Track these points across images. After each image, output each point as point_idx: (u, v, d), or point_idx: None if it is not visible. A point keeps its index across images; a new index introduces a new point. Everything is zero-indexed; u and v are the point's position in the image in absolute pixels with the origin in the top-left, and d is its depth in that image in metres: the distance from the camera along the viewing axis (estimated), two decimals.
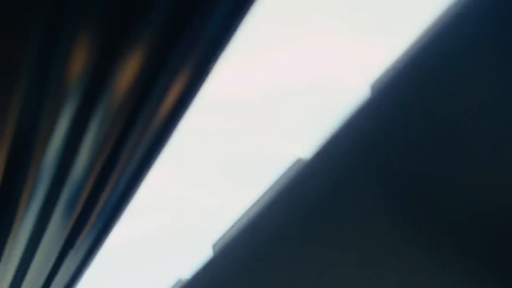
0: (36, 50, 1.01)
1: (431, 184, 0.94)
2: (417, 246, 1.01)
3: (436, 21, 0.95)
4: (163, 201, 8.30)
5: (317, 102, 7.80)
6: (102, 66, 1.07)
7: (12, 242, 1.70)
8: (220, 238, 1.53)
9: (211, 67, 1.09)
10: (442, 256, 0.97)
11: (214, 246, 1.55)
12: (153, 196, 8.33)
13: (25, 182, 1.40)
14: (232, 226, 1.49)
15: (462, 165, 0.90)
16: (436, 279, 1.01)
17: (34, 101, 1.14)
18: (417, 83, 0.91)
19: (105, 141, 1.26)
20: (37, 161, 1.32)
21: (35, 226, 1.62)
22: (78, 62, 1.04)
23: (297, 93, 7.78)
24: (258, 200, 1.39)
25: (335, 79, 7.56)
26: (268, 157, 8.28)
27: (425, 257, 1.00)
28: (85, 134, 1.24)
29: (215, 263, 1.45)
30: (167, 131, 1.25)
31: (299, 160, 1.26)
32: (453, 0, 0.91)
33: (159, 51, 1.04)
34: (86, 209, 1.57)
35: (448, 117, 0.88)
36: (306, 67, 7.50)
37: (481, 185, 0.89)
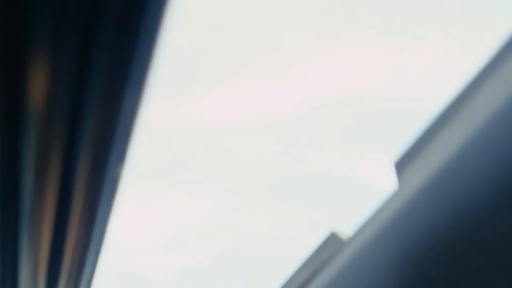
0: None
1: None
2: None
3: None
4: (213, 229, 8.29)
5: (357, 114, 7.73)
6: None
7: None
8: None
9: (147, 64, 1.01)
10: None
11: None
12: (202, 224, 8.32)
13: None
14: None
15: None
16: None
17: None
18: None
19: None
20: None
21: None
22: None
23: (336, 107, 7.72)
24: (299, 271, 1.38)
25: (371, 89, 7.48)
26: (315, 173, 8.21)
27: None
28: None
29: None
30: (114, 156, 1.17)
31: (336, 237, 1.25)
32: None
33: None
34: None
35: None
36: (341, 79, 7.44)
37: None
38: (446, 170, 0.86)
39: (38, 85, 0.96)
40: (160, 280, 7.63)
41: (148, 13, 0.88)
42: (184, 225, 8.44)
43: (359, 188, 8.39)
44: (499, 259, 0.75)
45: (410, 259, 0.92)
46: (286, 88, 7.39)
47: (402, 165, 1.03)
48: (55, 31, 0.86)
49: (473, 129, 0.82)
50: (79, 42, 0.90)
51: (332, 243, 1.27)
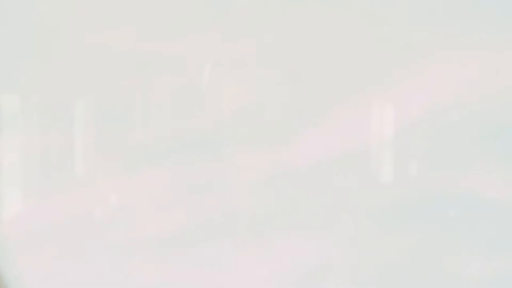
0: None
1: None
2: None
3: None
4: (326, 269, 8.07)
5: (464, 130, 7.45)
6: None
7: None
8: None
9: None
10: None
11: None
12: (316, 266, 8.12)
13: None
14: None
15: None
16: None
17: None
18: None
19: None
20: None
21: None
22: None
23: (436, 126, 7.44)
24: None
25: (468, 101, 7.22)
26: (433, 196, 7.93)
27: None
28: None
29: None
30: None
31: None
32: None
33: None
34: None
35: None
36: (439, 96, 7.18)
37: None
38: None
39: None
40: None
41: None
42: (298, 269, 8.23)
43: (481, 206, 8.02)
44: None
45: None
46: (380, 113, 7.21)
47: None
48: None
49: None
50: None
51: None
